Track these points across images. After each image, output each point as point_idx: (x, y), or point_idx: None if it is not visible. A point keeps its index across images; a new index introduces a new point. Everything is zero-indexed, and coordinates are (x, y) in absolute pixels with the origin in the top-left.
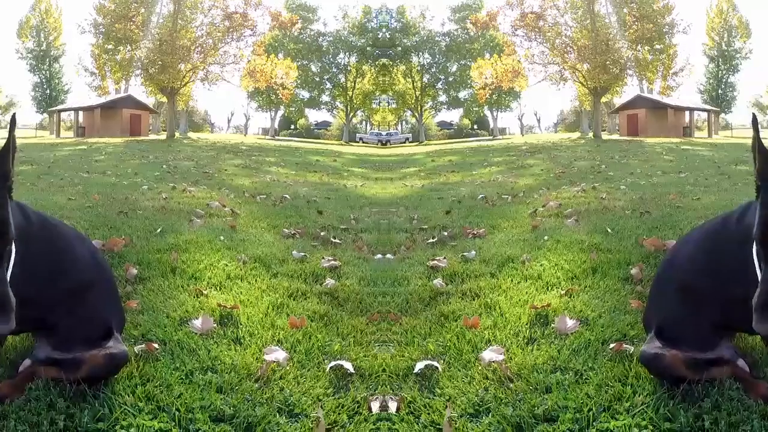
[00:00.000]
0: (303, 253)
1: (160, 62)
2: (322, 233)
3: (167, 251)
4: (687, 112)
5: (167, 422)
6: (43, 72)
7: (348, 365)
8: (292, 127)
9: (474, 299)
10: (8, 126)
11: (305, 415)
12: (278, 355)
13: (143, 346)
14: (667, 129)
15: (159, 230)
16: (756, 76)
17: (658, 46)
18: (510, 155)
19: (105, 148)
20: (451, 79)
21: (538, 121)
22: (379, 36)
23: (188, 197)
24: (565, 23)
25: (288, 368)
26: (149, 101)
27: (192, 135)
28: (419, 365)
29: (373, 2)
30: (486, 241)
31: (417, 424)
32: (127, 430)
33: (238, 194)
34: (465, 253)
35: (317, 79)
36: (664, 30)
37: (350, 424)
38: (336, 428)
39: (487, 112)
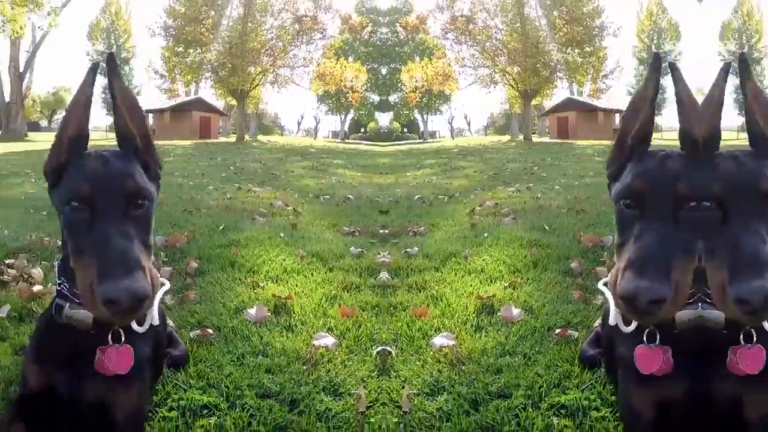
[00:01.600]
0: (360, 249)
1: (230, 65)
2: (380, 230)
3: (227, 247)
4: (617, 115)
5: (216, 397)
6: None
7: (391, 349)
8: (362, 130)
9: (420, 291)
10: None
11: (348, 394)
12: (327, 341)
13: (198, 331)
14: (597, 131)
15: (221, 228)
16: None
17: (588, 49)
18: (442, 158)
19: (174, 150)
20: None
21: (468, 124)
22: None
23: (253, 197)
24: (495, 26)
25: (336, 353)
26: (219, 104)
27: (261, 138)
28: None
29: None
30: (427, 238)
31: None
32: (177, 403)
33: (302, 194)
34: (408, 249)
35: (387, 82)
36: (594, 33)
37: (390, 402)
38: (376, 405)
39: (417, 116)
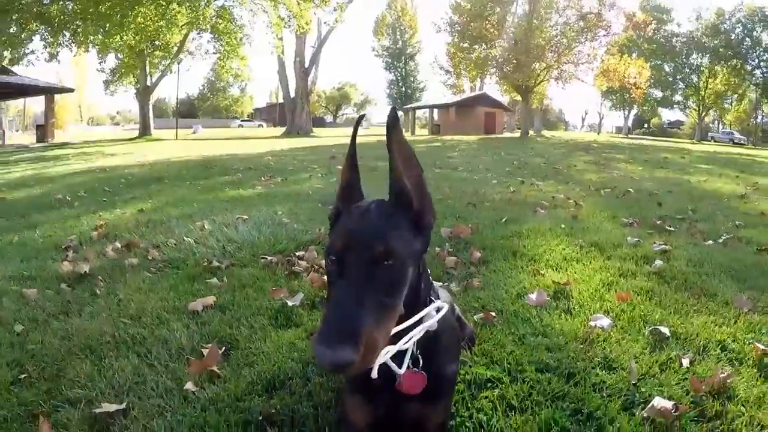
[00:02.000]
0: (636, 239)
1: (514, 61)
2: (658, 222)
3: (509, 237)
4: None
5: (498, 372)
6: (398, 70)
7: (665, 329)
8: (645, 125)
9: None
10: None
11: (622, 368)
12: (603, 322)
13: (482, 314)
14: None
15: (504, 219)
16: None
17: None
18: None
19: (458, 146)
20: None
21: None
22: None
23: (535, 190)
24: None
25: (611, 333)
26: (504, 99)
27: (546, 133)
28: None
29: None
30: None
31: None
32: (463, 377)
33: (583, 188)
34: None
35: (670, 78)
36: None
37: (661, 374)
38: (645, 380)
39: None
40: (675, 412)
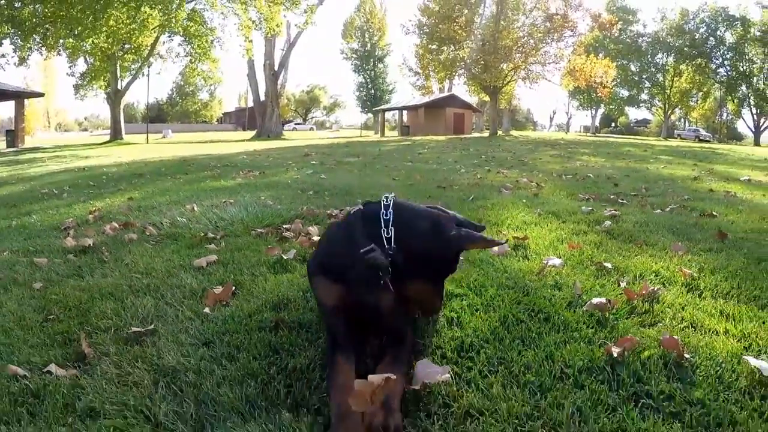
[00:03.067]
0: (591, 208)
1: (482, 62)
2: (612, 197)
3: (476, 210)
4: None
5: (465, 290)
6: (368, 72)
7: (608, 264)
8: (613, 124)
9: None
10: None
11: (568, 286)
12: (555, 261)
13: None
14: None
15: (471, 198)
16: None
17: None
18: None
19: (428, 144)
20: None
21: None
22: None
23: (501, 177)
24: None
25: (562, 270)
26: (472, 100)
27: (514, 133)
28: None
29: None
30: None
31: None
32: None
33: (546, 174)
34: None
35: (636, 78)
36: None
37: (601, 289)
38: (588, 293)
39: None
40: (609, 305)
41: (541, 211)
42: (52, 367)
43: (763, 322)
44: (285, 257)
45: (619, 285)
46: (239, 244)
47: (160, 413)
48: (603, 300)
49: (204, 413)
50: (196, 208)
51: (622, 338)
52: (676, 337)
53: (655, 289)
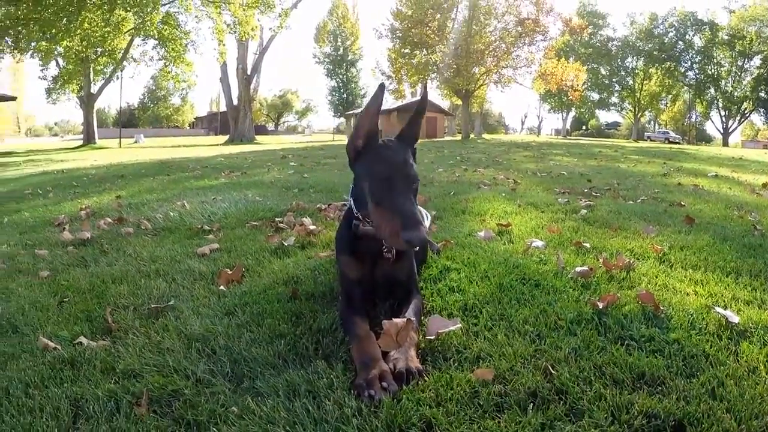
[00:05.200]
0: (567, 200)
1: (455, 66)
2: (586, 191)
3: (459, 202)
4: None
5: (459, 264)
6: (340, 76)
7: (587, 244)
8: (584, 127)
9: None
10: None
11: (552, 262)
12: (538, 243)
13: (442, 242)
14: None
15: (452, 193)
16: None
17: None
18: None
19: None
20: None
21: None
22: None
23: (478, 175)
24: None
25: (545, 250)
26: (444, 104)
27: (486, 136)
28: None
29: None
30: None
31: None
32: (435, 265)
33: (521, 173)
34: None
35: (606, 81)
36: None
37: (580, 263)
38: (570, 265)
39: None
40: (591, 272)
41: (520, 203)
42: (83, 340)
43: (728, 285)
44: (286, 244)
45: (598, 260)
46: (237, 235)
47: (199, 371)
48: (586, 268)
49: (240, 369)
50: (186, 205)
51: (606, 295)
52: (651, 292)
53: (631, 261)
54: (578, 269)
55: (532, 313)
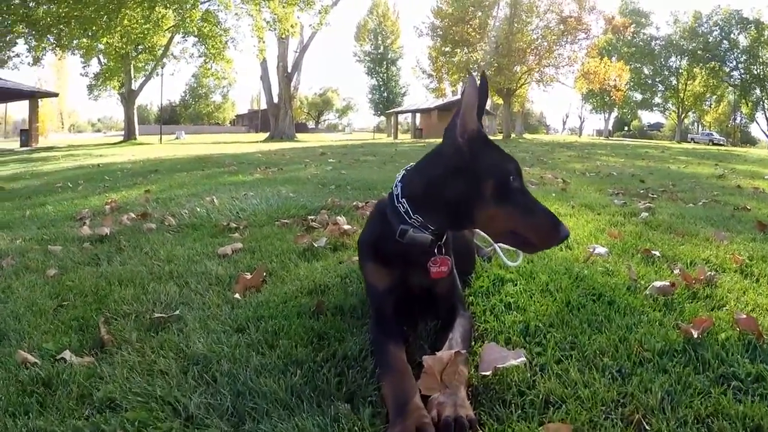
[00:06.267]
0: (623, 201)
1: (496, 64)
2: (641, 191)
3: None
4: None
5: (515, 275)
6: (380, 75)
7: (656, 252)
8: (626, 128)
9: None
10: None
11: (620, 272)
12: (600, 250)
13: (491, 248)
14: None
15: None
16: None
17: None
18: None
19: None
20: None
21: None
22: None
23: (524, 174)
24: None
25: (609, 258)
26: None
27: (527, 136)
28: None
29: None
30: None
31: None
32: (486, 275)
33: (569, 172)
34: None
35: (649, 81)
36: None
37: (654, 275)
38: (640, 280)
39: None
40: (672, 287)
41: (574, 204)
42: (67, 354)
43: None
44: (316, 245)
45: (672, 271)
46: (264, 234)
47: (192, 405)
48: (666, 283)
49: (243, 406)
50: (215, 200)
51: (698, 319)
52: (753, 316)
53: (712, 274)
54: (657, 284)
55: (609, 342)
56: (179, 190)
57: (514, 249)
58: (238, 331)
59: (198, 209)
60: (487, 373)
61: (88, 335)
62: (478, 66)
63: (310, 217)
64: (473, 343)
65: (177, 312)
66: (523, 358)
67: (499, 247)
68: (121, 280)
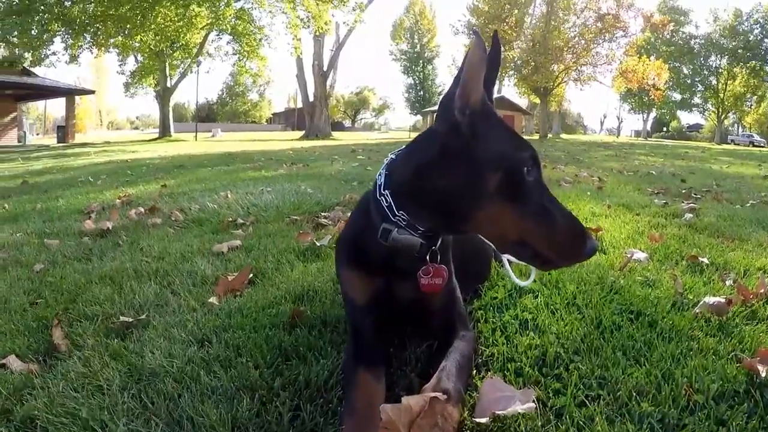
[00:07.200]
0: (664, 201)
1: (533, 63)
2: (683, 191)
3: None
4: None
5: (538, 285)
6: (417, 73)
7: (704, 259)
8: (664, 129)
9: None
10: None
11: (662, 284)
12: (639, 255)
13: None
14: None
15: None
16: None
17: None
18: None
19: None
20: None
21: None
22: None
23: (559, 172)
24: None
25: (649, 265)
26: (522, 102)
27: (564, 136)
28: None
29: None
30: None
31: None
32: (502, 285)
33: (605, 171)
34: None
35: (688, 81)
36: None
37: (704, 287)
38: (687, 293)
39: None
40: (728, 305)
41: (610, 203)
42: (11, 359)
43: None
44: (318, 243)
45: (724, 283)
46: (269, 230)
47: None
48: (721, 300)
49: None
50: (230, 195)
51: (765, 350)
52: None
53: None
54: (709, 300)
55: (649, 378)
56: (197, 185)
57: (525, 263)
58: (200, 342)
59: (209, 204)
60: (484, 421)
61: (44, 338)
62: (515, 64)
63: (322, 214)
64: (474, 372)
65: (144, 316)
66: (532, 404)
67: (508, 260)
68: (102, 277)
